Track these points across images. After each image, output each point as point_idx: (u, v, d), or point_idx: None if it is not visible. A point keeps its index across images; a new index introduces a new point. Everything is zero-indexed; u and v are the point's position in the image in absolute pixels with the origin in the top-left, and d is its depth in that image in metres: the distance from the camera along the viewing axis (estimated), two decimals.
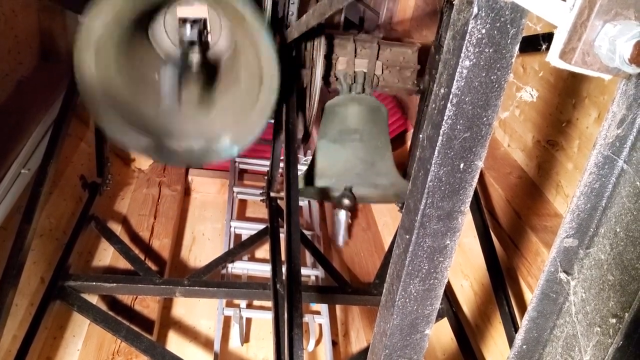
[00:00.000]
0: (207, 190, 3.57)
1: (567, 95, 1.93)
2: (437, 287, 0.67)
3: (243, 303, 2.70)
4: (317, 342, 2.63)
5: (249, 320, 2.73)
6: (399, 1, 3.68)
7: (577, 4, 0.44)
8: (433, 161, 0.57)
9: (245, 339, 2.62)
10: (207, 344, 2.56)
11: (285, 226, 1.70)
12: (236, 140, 1.95)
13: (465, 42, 0.51)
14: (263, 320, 2.71)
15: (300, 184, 2.15)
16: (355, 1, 3.01)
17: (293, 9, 2.11)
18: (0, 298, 1.63)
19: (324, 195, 2.29)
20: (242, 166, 3.71)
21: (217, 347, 2.47)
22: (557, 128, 1.97)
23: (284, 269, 1.71)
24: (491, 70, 0.53)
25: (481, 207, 2.07)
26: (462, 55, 0.52)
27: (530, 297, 0.72)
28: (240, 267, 2.88)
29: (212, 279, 2.48)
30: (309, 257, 3.04)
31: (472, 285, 2.32)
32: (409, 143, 3.01)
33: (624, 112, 0.59)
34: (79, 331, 2.35)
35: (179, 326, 2.63)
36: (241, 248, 2.79)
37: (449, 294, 2.36)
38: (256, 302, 2.77)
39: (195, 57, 1.96)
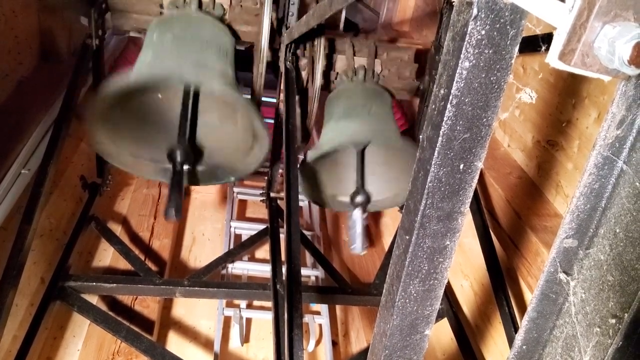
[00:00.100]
0: (207, 190, 3.57)
1: (567, 95, 1.93)
2: (437, 288, 0.67)
3: (243, 303, 2.70)
4: (317, 342, 2.63)
5: (249, 321, 2.73)
6: (399, 1, 3.68)
7: (576, 5, 0.45)
8: (433, 162, 0.57)
9: (245, 339, 2.62)
10: (207, 344, 2.56)
11: (285, 226, 1.70)
12: (232, 173, 2.15)
13: (465, 43, 0.51)
14: (263, 321, 2.71)
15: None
16: (356, 1, 3.01)
17: (293, 9, 2.11)
18: (0, 298, 1.63)
19: (327, 196, 2.29)
20: None
21: (217, 347, 2.47)
22: (557, 128, 1.97)
23: (284, 270, 1.71)
24: (491, 71, 0.53)
25: (481, 207, 2.07)
26: (462, 56, 0.52)
27: (530, 297, 0.72)
28: (240, 268, 2.88)
29: (212, 279, 2.48)
30: (309, 258, 3.04)
31: (472, 286, 2.32)
32: None
33: (624, 113, 0.59)
34: (79, 331, 2.35)
35: (179, 326, 2.63)
36: (241, 248, 2.80)
37: (449, 294, 2.36)
38: (256, 303, 2.77)
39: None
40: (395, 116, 3.51)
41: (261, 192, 2.82)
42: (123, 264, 2.57)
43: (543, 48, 1.39)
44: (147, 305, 2.53)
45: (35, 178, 1.89)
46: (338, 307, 2.94)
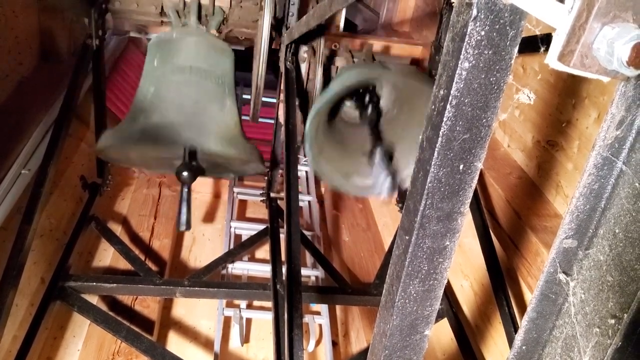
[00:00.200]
0: (207, 190, 3.57)
1: (566, 95, 1.93)
2: (436, 288, 0.67)
3: (243, 303, 2.70)
4: (317, 342, 2.63)
5: (249, 321, 2.73)
6: (399, 2, 3.68)
7: (575, 6, 0.45)
8: (432, 162, 0.57)
9: (245, 339, 2.62)
10: (207, 344, 2.56)
11: (285, 226, 1.70)
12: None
13: (465, 44, 0.51)
14: (263, 321, 2.71)
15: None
16: (356, 1, 3.02)
17: (293, 9, 2.11)
18: (0, 298, 1.63)
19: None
20: None
21: (217, 347, 2.47)
22: (557, 128, 1.97)
23: (284, 270, 1.71)
24: (490, 72, 0.54)
25: (481, 207, 2.07)
26: (462, 57, 0.52)
27: (530, 297, 0.72)
28: (240, 268, 2.88)
29: (212, 280, 2.48)
30: (309, 258, 3.04)
31: (472, 286, 2.32)
32: None
33: (623, 113, 0.60)
34: (79, 331, 2.35)
35: (179, 326, 2.64)
36: (241, 248, 2.80)
37: (449, 295, 2.36)
38: (256, 303, 2.77)
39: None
40: None
41: (261, 192, 2.82)
42: (123, 264, 2.57)
43: (542, 49, 1.40)
44: (147, 305, 2.53)
45: (35, 178, 1.89)
46: (338, 307, 2.94)
